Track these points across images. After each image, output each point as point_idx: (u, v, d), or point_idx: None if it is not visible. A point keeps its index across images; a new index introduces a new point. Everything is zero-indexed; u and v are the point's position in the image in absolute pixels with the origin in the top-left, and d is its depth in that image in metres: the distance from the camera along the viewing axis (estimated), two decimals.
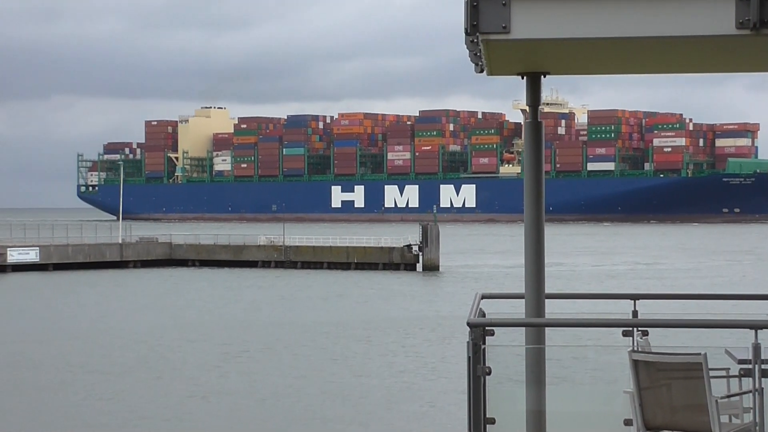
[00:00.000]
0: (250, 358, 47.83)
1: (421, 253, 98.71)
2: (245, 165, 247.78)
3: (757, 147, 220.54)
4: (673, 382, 8.29)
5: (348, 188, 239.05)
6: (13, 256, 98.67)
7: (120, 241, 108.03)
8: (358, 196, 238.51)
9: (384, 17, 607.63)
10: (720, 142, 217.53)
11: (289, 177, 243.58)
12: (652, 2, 6.77)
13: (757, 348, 7.99)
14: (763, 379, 8.07)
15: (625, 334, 8.69)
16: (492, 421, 8.03)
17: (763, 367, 8.05)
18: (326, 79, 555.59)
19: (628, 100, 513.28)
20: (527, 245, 8.55)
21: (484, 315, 8.39)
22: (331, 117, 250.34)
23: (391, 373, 43.79)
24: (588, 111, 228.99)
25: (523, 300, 8.52)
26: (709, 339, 8.41)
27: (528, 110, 8.67)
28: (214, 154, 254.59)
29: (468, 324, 7.87)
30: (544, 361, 8.42)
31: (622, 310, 9.34)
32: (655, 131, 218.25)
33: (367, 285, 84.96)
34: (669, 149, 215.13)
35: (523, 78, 8.50)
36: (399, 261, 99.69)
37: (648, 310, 9.38)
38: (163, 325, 59.77)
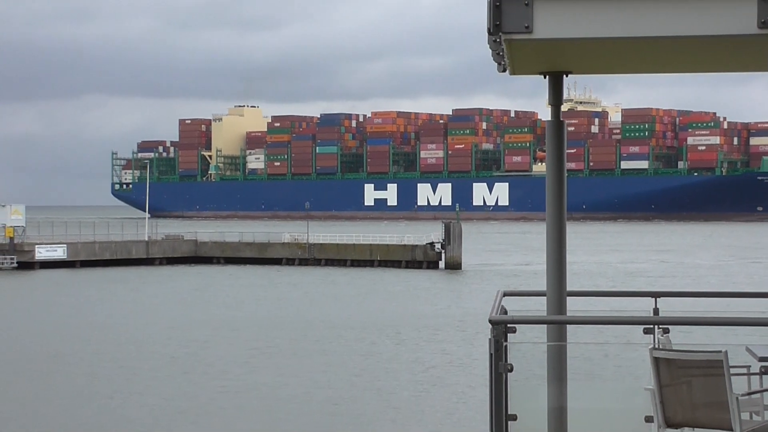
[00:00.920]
0: (280, 354, 48.08)
1: (443, 251, 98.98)
2: (278, 163, 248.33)
3: None
4: (694, 380, 8.32)
5: (381, 186, 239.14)
6: (42, 253, 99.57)
7: (146, 239, 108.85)
8: (391, 194, 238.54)
9: (411, 17, 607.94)
10: (755, 141, 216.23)
11: (322, 175, 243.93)
12: (674, 2, 6.80)
13: None
14: None
15: (646, 331, 8.72)
16: (514, 418, 8.07)
17: None
18: (353, 78, 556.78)
19: (654, 97, 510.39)
20: (549, 243, 8.61)
21: (505, 312, 8.45)
22: (364, 115, 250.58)
23: (419, 368, 44.04)
24: (622, 109, 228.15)
25: (545, 297, 8.57)
26: (730, 336, 8.45)
27: (550, 109, 8.73)
28: (248, 152, 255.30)
29: (490, 321, 7.93)
30: (565, 358, 8.46)
31: (643, 307, 9.39)
32: (689, 129, 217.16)
33: (391, 282, 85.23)
34: (703, 148, 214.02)
35: (545, 77, 8.55)
36: (422, 259, 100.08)
37: (669, 307, 9.42)
38: (191, 322, 60.12)
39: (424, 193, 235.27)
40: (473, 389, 37.85)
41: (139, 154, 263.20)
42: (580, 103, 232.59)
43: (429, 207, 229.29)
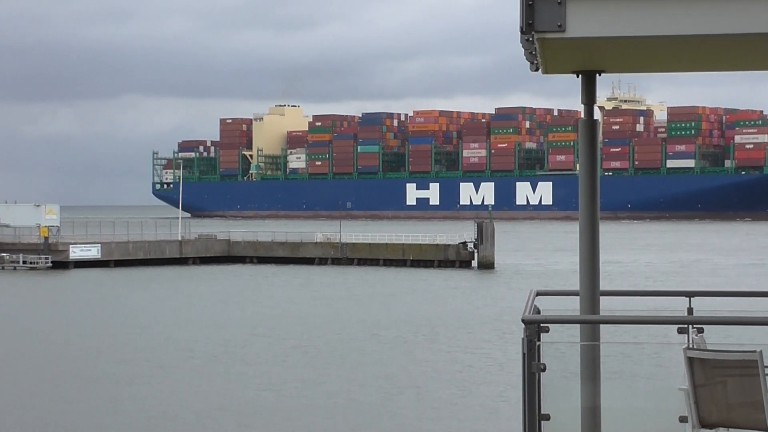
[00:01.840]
0: (317, 353, 48.35)
1: (476, 251, 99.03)
2: (320, 162, 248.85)
3: None
4: (729, 380, 8.32)
5: (423, 186, 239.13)
6: (75, 252, 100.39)
7: (179, 238, 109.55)
8: (433, 193, 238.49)
9: (446, 17, 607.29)
10: None
11: (364, 174, 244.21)
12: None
13: None
14: None
15: (680, 331, 8.72)
16: (547, 418, 8.10)
17: None
18: (389, 78, 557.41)
19: (694, 96, 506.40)
20: (582, 242, 8.64)
21: (538, 312, 8.48)
22: (406, 114, 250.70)
23: (455, 368, 44.25)
24: (667, 108, 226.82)
25: (578, 297, 8.60)
26: (766, 336, 8.44)
27: (583, 108, 8.74)
28: (289, 151, 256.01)
29: (522, 321, 7.96)
30: (599, 358, 8.49)
31: (677, 307, 9.39)
32: (737, 128, 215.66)
33: (424, 282, 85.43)
34: (751, 146, 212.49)
35: (578, 76, 8.57)
36: (454, 258, 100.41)
37: (704, 307, 9.43)
38: (227, 321, 60.47)
39: (467, 193, 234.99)
40: (510, 389, 37.94)
41: (180, 154, 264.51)
42: (625, 101, 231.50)
43: (471, 206, 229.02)
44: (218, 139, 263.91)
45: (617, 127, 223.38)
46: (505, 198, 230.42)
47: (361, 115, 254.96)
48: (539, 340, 7.97)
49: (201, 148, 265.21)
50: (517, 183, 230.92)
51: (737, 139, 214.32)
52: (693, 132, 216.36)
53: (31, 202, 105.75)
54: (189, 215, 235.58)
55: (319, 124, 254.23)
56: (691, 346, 8.58)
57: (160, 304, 69.62)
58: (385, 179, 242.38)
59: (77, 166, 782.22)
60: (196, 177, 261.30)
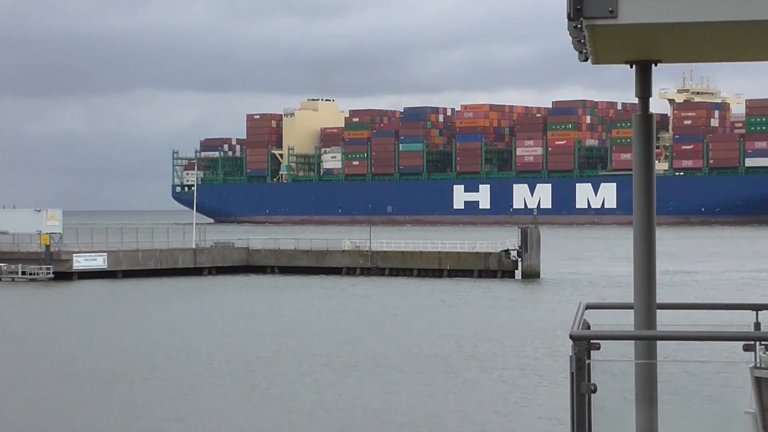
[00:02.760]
0: (354, 370, 48.67)
1: (520, 259, 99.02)
2: (357, 162, 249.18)
3: None
4: None
5: (472, 187, 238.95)
6: (80, 262, 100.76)
7: (194, 246, 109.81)
8: (483, 196, 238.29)
9: (488, 3, 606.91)
10: None
11: (406, 175, 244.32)
12: None
13: None
14: None
15: (747, 348, 8.72)
16: None
17: None
18: (426, 69, 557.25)
19: (761, 87, 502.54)
20: (637, 250, 8.66)
21: (588, 327, 8.51)
22: (452, 109, 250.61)
23: (503, 386, 44.71)
24: (746, 101, 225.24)
25: (632, 311, 8.63)
26: None
27: (638, 102, 8.78)
28: (323, 150, 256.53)
29: (571, 337, 7.98)
30: (655, 378, 8.51)
31: (743, 321, 9.39)
32: None
33: (464, 293, 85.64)
34: None
35: (632, 67, 8.60)
36: (496, 268, 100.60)
37: None
38: (251, 336, 60.74)
39: (521, 195, 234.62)
40: (564, 411, 38.14)
41: (203, 154, 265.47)
42: (697, 93, 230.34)
43: (526, 210, 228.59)
44: (245, 137, 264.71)
45: (689, 122, 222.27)
46: (564, 201, 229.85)
47: (402, 110, 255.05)
48: (589, 357, 8.00)
49: (226, 147, 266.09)
50: (577, 184, 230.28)
51: None
52: None
53: (32, 206, 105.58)
54: (212, 221, 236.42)
55: (357, 120, 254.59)
56: (758, 365, 8.58)
57: (175, 320, 69.85)
58: (430, 180, 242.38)
59: (86, 169, 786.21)
60: (220, 178, 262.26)
